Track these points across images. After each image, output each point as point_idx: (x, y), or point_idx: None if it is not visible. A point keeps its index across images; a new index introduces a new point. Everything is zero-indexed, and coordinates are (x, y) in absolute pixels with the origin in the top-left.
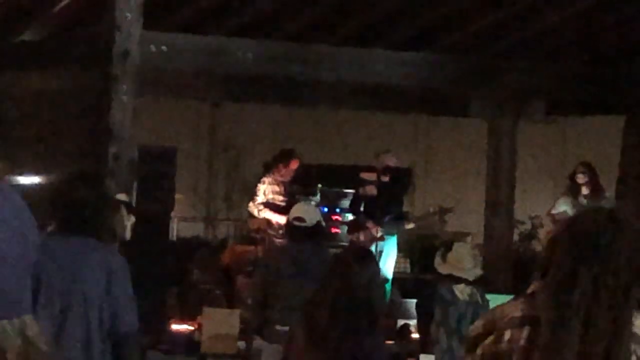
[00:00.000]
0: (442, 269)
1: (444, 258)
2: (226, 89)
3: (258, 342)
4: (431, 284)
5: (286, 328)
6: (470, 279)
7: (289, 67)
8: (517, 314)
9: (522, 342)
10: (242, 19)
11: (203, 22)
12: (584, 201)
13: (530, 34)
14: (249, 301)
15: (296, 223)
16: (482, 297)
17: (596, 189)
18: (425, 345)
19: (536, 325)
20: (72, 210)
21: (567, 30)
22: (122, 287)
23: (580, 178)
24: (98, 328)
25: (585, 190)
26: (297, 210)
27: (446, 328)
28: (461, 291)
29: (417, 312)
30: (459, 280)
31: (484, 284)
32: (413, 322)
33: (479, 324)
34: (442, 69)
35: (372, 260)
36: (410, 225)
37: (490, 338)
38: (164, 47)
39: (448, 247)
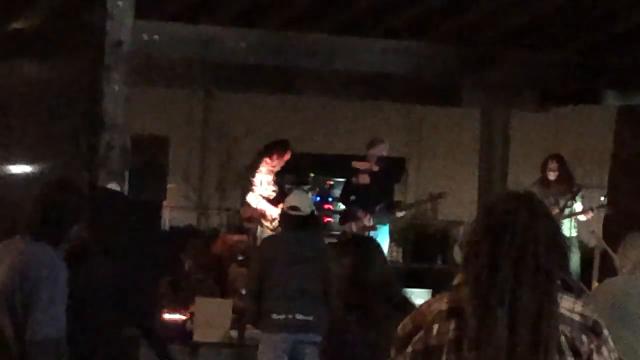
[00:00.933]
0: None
1: (462, 248)
2: (219, 77)
3: (250, 331)
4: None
5: (282, 316)
6: None
7: (282, 56)
8: (443, 307)
9: (450, 334)
10: (235, 8)
11: (196, 11)
12: (553, 192)
13: (524, 23)
14: (244, 291)
15: (291, 212)
16: None
17: (566, 180)
18: None
19: (462, 317)
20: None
21: (560, 20)
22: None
23: (552, 175)
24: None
25: (554, 182)
26: (292, 199)
27: None
28: None
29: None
30: None
31: None
32: None
33: (406, 321)
34: (435, 59)
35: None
36: (402, 214)
37: (419, 334)
38: (156, 36)
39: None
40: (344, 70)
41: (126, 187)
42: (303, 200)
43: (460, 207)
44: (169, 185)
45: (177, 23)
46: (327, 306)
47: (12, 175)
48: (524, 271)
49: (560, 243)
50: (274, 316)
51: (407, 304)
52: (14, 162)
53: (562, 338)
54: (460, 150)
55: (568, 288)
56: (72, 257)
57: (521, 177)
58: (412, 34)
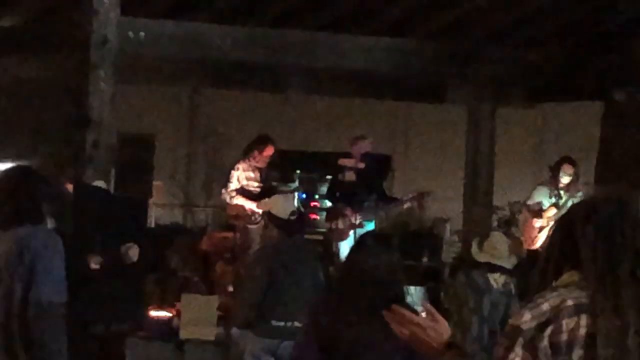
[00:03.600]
0: (480, 257)
1: (480, 246)
2: (205, 75)
3: (236, 330)
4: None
5: (282, 323)
6: (508, 267)
7: (268, 53)
8: (570, 303)
9: (582, 330)
10: (220, 5)
11: (181, 8)
12: (562, 194)
13: (509, 20)
14: (246, 295)
15: (293, 217)
16: (516, 286)
17: (576, 183)
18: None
19: (593, 313)
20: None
21: (546, 17)
22: (41, 261)
23: (566, 178)
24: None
25: (566, 179)
26: (286, 204)
27: (479, 315)
28: (496, 280)
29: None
30: (494, 268)
31: (518, 274)
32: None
33: (525, 319)
34: (421, 55)
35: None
36: (407, 205)
37: (549, 328)
38: (142, 34)
39: (484, 235)
40: (329, 68)
41: (112, 185)
42: (292, 203)
43: (446, 203)
44: (155, 183)
45: (163, 20)
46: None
47: None
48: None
49: None
50: (274, 323)
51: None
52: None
53: None
54: (446, 147)
55: None
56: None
57: (507, 174)
58: (398, 31)
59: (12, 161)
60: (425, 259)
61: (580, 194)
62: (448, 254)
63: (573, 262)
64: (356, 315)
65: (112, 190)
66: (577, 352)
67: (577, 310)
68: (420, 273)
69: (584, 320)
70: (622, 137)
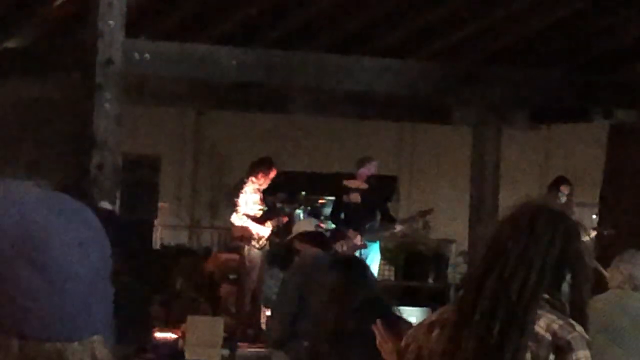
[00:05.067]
0: None
1: None
2: (210, 96)
3: (242, 350)
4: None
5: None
6: None
7: (273, 74)
8: (434, 318)
9: (431, 344)
10: (226, 27)
11: (186, 29)
12: None
13: (514, 41)
14: (277, 313)
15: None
16: None
17: (570, 203)
18: None
19: (444, 328)
20: None
21: (551, 38)
22: None
23: (563, 198)
24: None
25: (562, 199)
26: (306, 224)
27: None
28: None
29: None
30: None
31: None
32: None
33: (407, 334)
34: (426, 77)
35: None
36: (400, 227)
37: (412, 346)
38: (147, 55)
39: None
40: (335, 89)
41: (117, 206)
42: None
43: (451, 225)
44: (160, 204)
45: (168, 42)
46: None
47: None
48: (506, 293)
49: (558, 266)
50: (307, 343)
51: (400, 321)
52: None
53: (528, 355)
54: (451, 168)
55: (553, 306)
56: None
57: (513, 195)
58: (403, 53)
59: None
60: (430, 280)
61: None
62: (454, 275)
63: None
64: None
65: (117, 211)
66: None
67: (433, 324)
68: (426, 294)
69: (435, 334)
70: (628, 158)
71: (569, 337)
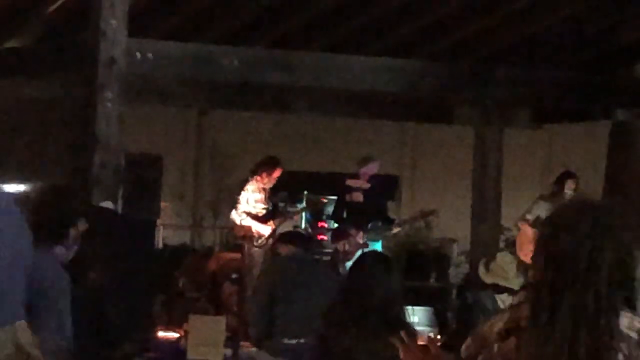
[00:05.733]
0: (487, 278)
1: (487, 267)
2: (212, 96)
3: (245, 349)
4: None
5: (294, 341)
6: (515, 287)
7: (275, 74)
8: (501, 326)
9: (509, 354)
10: (228, 26)
11: (189, 29)
12: None
13: (516, 41)
14: (254, 310)
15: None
16: None
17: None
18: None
19: (520, 335)
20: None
21: (553, 38)
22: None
23: (570, 194)
24: None
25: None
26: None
27: None
28: (503, 301)
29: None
30: (501, 289)
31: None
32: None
33: (469, 343)
34: (429, 76)
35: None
36: (397, 230)
37: (482, 355)
38: (149, 55)
39: (491, 256)
40: (337, 88)
41: (120, 206)
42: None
43: (454, 224)
44: (162, 204)
45: (171, 42)
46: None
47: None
48: (586, 295)
49: (627, 263)
50: (285, 341)
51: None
52: (7, 181)
53: (620, 356)
54: (453, 168)
55: (629, 304)
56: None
57: (515, 195)
58: (405, 52)
59: (18, 183)
60: (432, 280)
61: None
62: (456, 275)
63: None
64: (361, 337)
65: (119, 211)
66: None
67: (507, 332)
68: (428, 294)
69: (512, 343)
70: (629, 158)
71: None
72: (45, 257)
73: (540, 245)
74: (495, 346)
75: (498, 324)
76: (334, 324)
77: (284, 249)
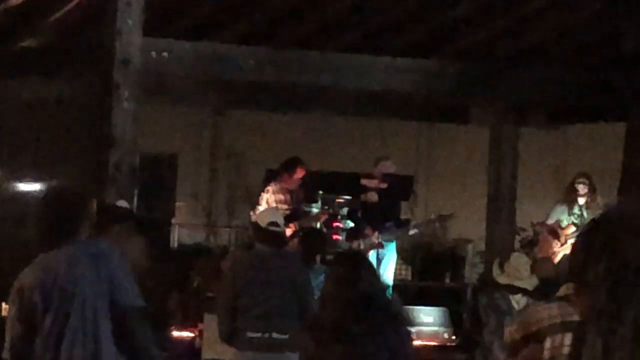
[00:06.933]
0: (501, 279)
1: (501, 268)
2: (227, 95)
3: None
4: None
5: (258, 335)
6: (529, 288)
7: (291, 74)
8: (557, 319)
9: (565, 349)
10: (244, 26)
11: (204, 28)
12: (580, 211)
13: (532, 42)
14: (218, 309)
15: (272, 228)
16: None
17: (593, 199)
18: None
19: (580, 332)
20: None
21: (569, 38)
22: (114, 270)
23: (582, 188)
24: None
25: (582, 201)
26: (268, 215)
27: (500, 337)
28: (517, 301)
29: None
30: (516, 290)
31: (540, 294)
32: (414, 330)
33: (512, 329)
34: (444, 77)
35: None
36: (412, 232)
37: (532, 345)
38: (165, 54)
39: (505, 257)
40: (353, 88)
41: (135, 205)
42: (279, 217)
43: (468, 225)
44: (177, 203)
45: (186, 41)
46: (302, 325)
47: (21, 193)
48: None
49: None
50: (249, 334)
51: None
52: (23, 180)
53: None
54: (469, 168)
55: None
56: None
57: (530, 195)
58: (421, 52)
59: (34, 182)
60: (447, 280)
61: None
62: (470, 275)
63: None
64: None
65: (135, 210)
66: None
67: (564, 327)
68: (443, 294)
69: (567, 339)
70: None
71: None
72: (94, 240)
73: (598, 248)
74: (549, 340)
75: (545, 313)
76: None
77: (259, 245)
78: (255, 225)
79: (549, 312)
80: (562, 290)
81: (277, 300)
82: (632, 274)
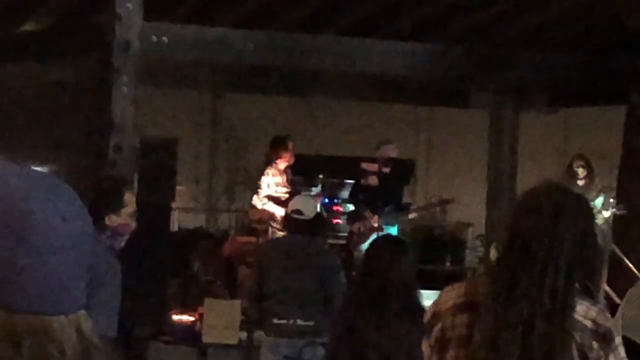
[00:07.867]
0: None
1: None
2: (227, 79)
3: (258, 333)
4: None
5: (283, 321)
6: None
7: (290, 57)
8: (459, 300)
9: (461, 329)
10: (243, 9)
11: (204, 12)
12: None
13: (532, 24)
14: (247, 294)
15: (294, 216)
16: None
17: (591, 180)
18: None
19: (476, 312)
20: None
21: (569, 21)
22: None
23: (581, 172)
24: None
25: (580, 183)
26: (296, 202)
27: None
28: None
29: None
30: None
31: None
32: None
33: (429, 310)
34: (444, 60)
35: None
36: (412, 216)
37: (438, 325)
38: (165, 38)
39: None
40: (352, 72)
41: (135, 189)
42: (307, 204)
43: (469, 208)
44: (177, 187)
45: (186, 25)
46: (328, 311)
47: None
48: (545, 276)
49: (588, 246)
50: (275, 321)
51: (419, 307)
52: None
53: (573, 343)
54: (469, 152)
55: (587, 293)
56: None
57: (530, 179)
58: (421, 36)
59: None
60: (448, 264)
61: (600, 196)
62: (471, 259)
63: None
64: (383, 321)
65: (134, 194)
66: (456, 351)
67: (464, 306)
68: (443, 278)
69: (465, 318)
70: None
71: (608, 324)
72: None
73: (507, 226)
74: (450, 319)
75: (454, 292)
76: (354, 308)
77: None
78: (285, 212)
79: (457, 292)
80: (481, 268)
81: (302, 286)
82: (517, 249)
